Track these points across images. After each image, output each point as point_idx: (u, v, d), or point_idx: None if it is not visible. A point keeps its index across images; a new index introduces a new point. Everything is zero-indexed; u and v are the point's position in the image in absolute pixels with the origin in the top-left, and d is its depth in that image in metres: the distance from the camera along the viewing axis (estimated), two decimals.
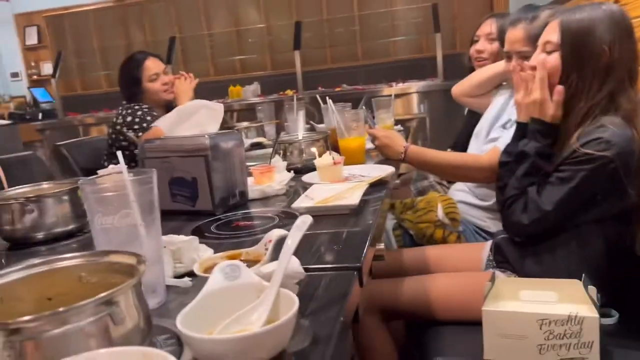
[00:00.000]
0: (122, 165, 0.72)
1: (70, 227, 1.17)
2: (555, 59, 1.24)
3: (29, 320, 0.48)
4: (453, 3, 5.37)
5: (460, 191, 1.83)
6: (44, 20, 6.40)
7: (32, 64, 8.07)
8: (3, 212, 1.13)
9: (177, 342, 0.64)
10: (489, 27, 2.03)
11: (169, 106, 2.36)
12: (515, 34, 1.54)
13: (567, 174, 1.18)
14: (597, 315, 1.03)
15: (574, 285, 1.11)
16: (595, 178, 1.15)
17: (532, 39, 1.37)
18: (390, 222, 1.82)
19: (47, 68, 7.86)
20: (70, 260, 0.64)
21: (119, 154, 0.75)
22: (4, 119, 6.65)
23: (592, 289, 1.09)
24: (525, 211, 1.24)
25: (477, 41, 2.08)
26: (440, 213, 1.69)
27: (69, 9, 7.21)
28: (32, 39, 8.08)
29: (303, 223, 0.68)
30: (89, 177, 0.75)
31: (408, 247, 1.75)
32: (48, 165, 2.51)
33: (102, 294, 0.51)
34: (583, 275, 1.11)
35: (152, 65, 2.32)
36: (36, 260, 0.63)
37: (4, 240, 1.18)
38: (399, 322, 1.51)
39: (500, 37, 1.72)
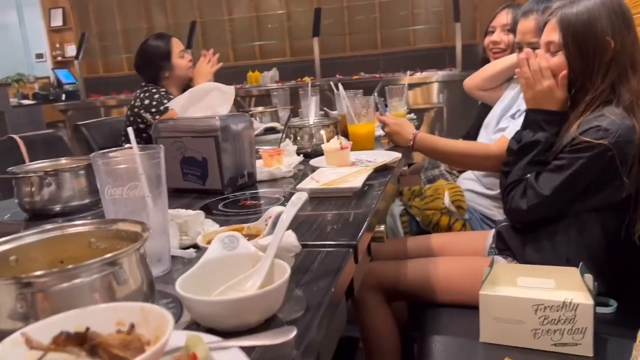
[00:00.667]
0: (132, 140, 0.77)
1: (86, 201, 1.22)
2: (560, 58, 1.25)
3: (40, 275, 0.53)
4: None
5: (469, 180, 1.85)
6: (68, 3, 6.49)
7: (57, 45, 8.21)
8: (23, 184, 1.19)
9: (179, 306, 0.69)
10: (505, 17, 2.03)
11: (187, 86, 2.42)
12: (527, 25, 1.54)
13: (565, 161, 1.19)
14: (591, 302, 1.05)
15: (571, 273, 1.13)
16: (592, 166, 1.16)
17: (542, 31, 1.38)
18: (397, 208, 1.85)
19: (70, 50, 7.99)
20: (81, 227, 0.69)
21: (130, 130, 0.79)
22: (28, 99, 6.81)
23: (589, 277, 1.11)
24: (524, 197, 1.27)
25: (492, 32, 2.07)
26: (447, 200, 1.71)
27: None
28: (57, 21, 8.21)
29: (298, 199, 0.72)
30: (101, 151, 0.79)
31: (414, 233, 1.78)
32: (69, 145, 2.59)
33: (107, 255, 0.55)
34: (580, 263, 1.13)
35: (177, 43, 2.39)
36: (50, 226, 0.68)
37: (23, 212, 1.24)
38: (401, 303, 1.55)
39: (513, 28, 1.73)
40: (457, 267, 1.37)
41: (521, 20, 1.57)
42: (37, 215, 1.21)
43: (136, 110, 2.28)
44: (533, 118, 1.30)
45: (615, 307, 1.23)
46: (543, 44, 1.29)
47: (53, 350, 0.44)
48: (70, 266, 0.53)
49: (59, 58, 8.15)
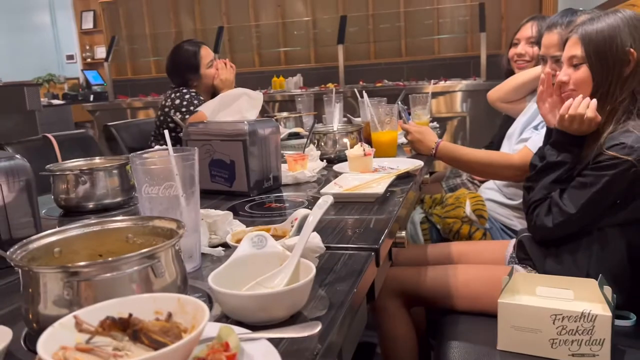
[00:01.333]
0: (169, 143, 0.81)
1: (118, 199, 1.28)
2: (584, 71, 1.25)
3: (85, 265, 0.57)
4: (500, 3, 5.30)
5: (490, 189, 1.86)
6: (99, 6, 6.66)
7: (87, 47, 8.42)
8: (59, 181, 1.25)
9: (209, 300, 0.72)
10: (530, 30, 2.04)
11: (214, 92, 2.48)
12: (551, 39, 1.56)
13: (591, 178, 1.20)
14: (610, 314, 1.06)
15: (590, 285, 1.14)
16: (617, 183, 1.17)
17: (565, 45, 1.39)
18: (418, 215, 1.87)
19: (100, 52, 8.19)
20: (119, 222, 0.73)
21: (166, 132, 0.84)
22: (58, 99, 6.99)
23: (608, 289, 1.11)
24: (549, 214, 1.27)
25: (517, 44, 2.09)
26: (468, 209, 1.73)
27: None
28: (88, 24, 8.42)
29: (324, 202, 0.75)
30: (138, 152, 0.83)
31: (435, 241, 1.80)
32: (98, 144, 2.67)
33: (147, 249, 0.59)
34: (600, 275, 1.14)
35: (207, 53, 2.45)
36: (91, 220, 0.72)
37: (59, 207, 1.30)
38: (419, 309, 1.56)
39: (538, 41, 1.74)
40: (477, 275, 1.39)
41: (546, 33, 1.59)
42: (72, 212, 1.26)
43: (167, 110, 2.35)
44: (558, 139, 1.30)
45: (634, 320, 1.23)
46: (565, 60, 1.30)
47: (99, 334, 0.48)
48: (113, 258, 0.57)
49: (89, 60, 8.34)
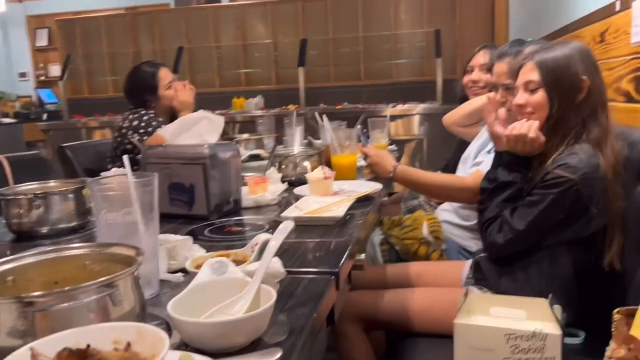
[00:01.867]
0: (128, 169, 0.81)
1: (73, 223, 1.25)
2: (541, 96, 1.32)
3: (41, 295, 0.56)
4: (455, 30, 5.50)
5: (446, 211, 1.91)
6: (55, 24, 6.53)
7: (41, 65, 8.22)
8: (12, 206, 1.21)
9: (168, 328, 0.72)
10: (483, 57, 2.13)
11: (173, 114, 2.46)
12: (501, 68, 1.64)
13: (537, 197, 1.27)
14: (559, 332, 1.11)
15: (541, 304, 1.19)
16: (561, 201, 1.24)
17: (515, 73, 1.46)
18: (377, 237, 1.90)
19: (54, 70, 8.01)
20: (76, 249, 0.72)
21: (126, 158, 0.83)
22: (9, 117, 6.77)
23: (557, 308, 1.16)
24: (500, 232, 1.33)
25: (471, 71, 2.17)
26: (425, 231, 1.77)
27: (80, 14, 7.37)
28: (42, 41, 8.24)
29: (285, 228, 0.76)
30: (97, 177, 0.83)
31: (393, 262, 1.83)
32: (51, 165, 2.59)
33: (105, 277, 0.59)
34: (550, 294, 1.19)
35: (165, 75, 2.43)
36: (47, 248, 0.71)
37: (10, 232, 1.26)
38: (379, 332, 1.58)
39: (491, 68, 1.82)
40: (434, 298, 1.42)
41: (496, 62, 1.67)
42: (25, 236, 1.23)
43: (124, 131, 2.31)
44: (510, 160, 1.37)
45: (583, 337, 1.29)
46: (521, 84, 1.36)
47: None
48: (70, 287, 0.57)
49: (42, 78, 8.14)
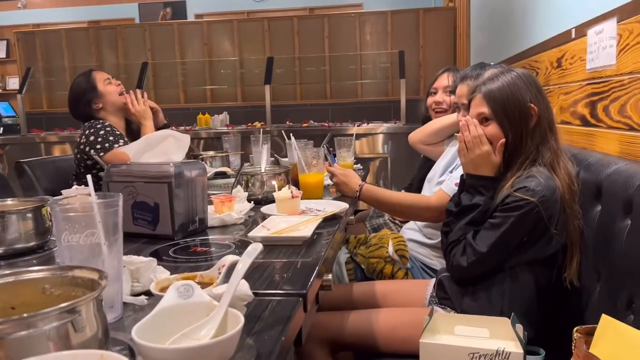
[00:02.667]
0: (91, 188, 0.79)
1: (32, 243, 1.20)
2: (494, 127, 1.37)
3: None
4: (419, 52, 5.64)
5: (411, 230, 1.94)
6: (14, 35, 6.36)
7: None
8: None
9: (130, 354, 0.70)
10: (446, 80, 2.20)
11: (128, 122, 2.42)
12: (462, 89, 1.70)
13: (499, 220, 1.30)
14: (521, 351, 1.13)
15: (504, 323, 1.21)
16: (522, 223, 1.27)
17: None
18: (343, 255, 1.91)
19: (12, 83, 7.78)
20: (36, 273, 0.69)
21: (89, 178, 0.81)
22: None
23: (519, 327, 1.18)
24: (464, 254, 1.36)
25: (435, 93, 2.23)
26: (390, 249, 1.79)
27: (40, 27, 7.21)
28: (0, 53, 8.01)
29: (254, 250, 0.75)
30: (58, 197, 0.80)
31: (359, 280, 1.83)
32: (8, 182, 2.50)
33: (67, 303, 0.57)
34: (512, 314, 1.21)
35: (100, 74, 2.39)
36: (3, 271, 0.68)
37: None
38: (347, 353, 1.57)
39: (454, 90, 1.88)
40: (399, 318, 1.43)
41: (459, 85, 1.73)
42: None
43: (82, 147, 2.25)
44: (471, 183, 1.40)
45: (543, 355, 1.31)
46: (474, 115, 1.41)
47: None
48: (29, 314, 0.54)
49: (0, 90, 7.89)
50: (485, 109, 1.38)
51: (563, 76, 2.04)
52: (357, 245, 1.90)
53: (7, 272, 0.68)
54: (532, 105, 1.34)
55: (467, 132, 1.40)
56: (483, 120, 1.39)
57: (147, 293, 0.88)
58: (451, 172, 1.77)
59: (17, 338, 0.54)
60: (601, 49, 1.63)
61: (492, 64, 1.87)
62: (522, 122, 1.34)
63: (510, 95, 1.35)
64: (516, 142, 1.35)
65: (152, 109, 2.42)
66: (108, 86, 2.36)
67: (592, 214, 1.29)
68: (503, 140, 1.36)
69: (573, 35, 1.91)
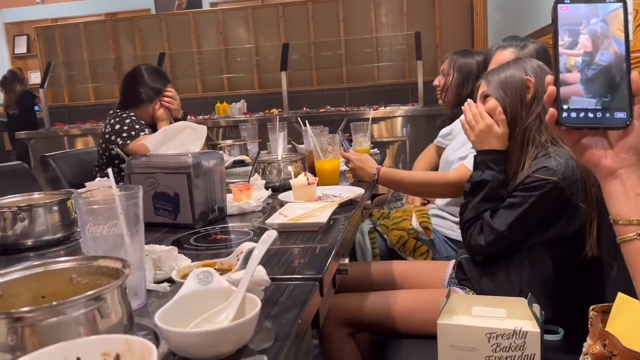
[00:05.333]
0: (112, 181, 0.82)
1: (59, 235, 1.25)
2: (492, 101, 1.41)
3: (30, 310, 0.57)
4: (435, 32, 5.57)
5: (432, 209, 1.97)
6: (33, 31, 6.46)
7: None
8: None
9: (155, 338, 0.73)
10: (445, 63, 2.27)
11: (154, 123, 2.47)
12: (504, 56, 1.80)
13: (519, 199, 1.31)
14: (539, 330, 1.14)
15: (521, 303, 1.22)
16: (543, 202, 1.29)
17: None
18: (366, 226, 1.94)
19: (34, 77, 7.91)
20: (63, 263, 0.73)
21: (110, 171, 0.84)
22: None
23: (536, 307, 1.20)
24: (482, 233, 1.37)
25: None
26: (414, 222, 1.81)
27: (58, 21, 7.30)
28: (21, 48, 8.15)
29: (269, 237, 0.78)
30: (81, 190, 0.84)
31: (382, 250, 1.87)
32: (34, 175, 2.57)
33: (93, 291, 0.60)
34: (529, 293, 1.22)
35: (170, 91, 2.45)
36: (33, 262, 0.72)
37: None
38: (364, 334, 1.61)
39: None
40: (417, 299, 1.45)
41: (498, 51, 1.79)
42: (9, 250, 1.23)
43: (107, 136, 2.30)
44: (480, 159, 1.42)
45: (562, 334, 1.32)
46: (478, 97, 1.46)
47: None
48: (58, 301, 0.58)
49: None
50: (485, 87, 1.44)
51: None
52: (380, 217, 1.93)
53: (36, 263, 0.72)
54: (528, 77, 1.37)
55: (468, 112, 1.44)
56: (484, 98, 1.43)
57: (169, 280, 0.91)
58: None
59: (48, 324, 0.57)
60: None
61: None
62: (517, 93, 1.37)
63: (507, 73, 1.40)
64: (515, 113, 1.38)
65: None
66: (160, 111, 2.39)
67: None
68: (500, 109, 1.38)
69: None
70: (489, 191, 1.37)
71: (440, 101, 2.29)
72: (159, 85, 2.41)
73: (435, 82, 2.30)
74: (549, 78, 0.77)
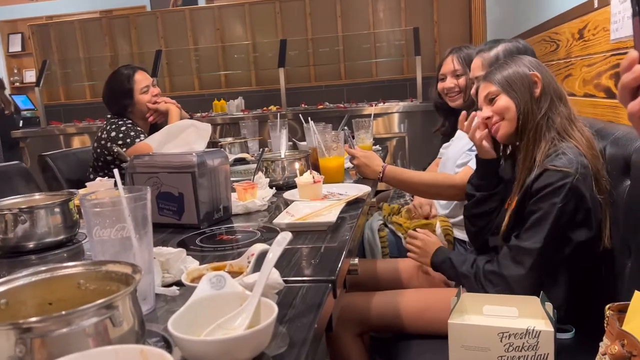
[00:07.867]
0: (119, 184, 0.79)
1: (60, 237, 1.22)
2: (503, 100, 1.36)
3: (39, 320, 0.55)
4: (433, 27, 5.54)
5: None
6: (28, 29, 6.40)
7: (15, 71, 8.04)
8: None
9: (166, 345, 0.71)
10: (452, 64, 2.13)
11: (152, 126, 2.43)
12: (477, 62, 1.77)
13: (542, 211, 1.23)
14: (552, 329, 1.12)
15: (533, 302, 1.20)
16: (568, 203, 1.22)
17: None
18: (376, 222, 1.91)
19: (29, 75, 7.85)
20: (70, 268, 0.70)
21: (116, 172, 0.82)
22: None
23: (549, 305, 1.17)
24: (518, 262, 1.26)
25: (443, 79, 2.17)
26: (438, 231, 1.78)
27: (54, 18, 7.23)
28: (15, 46, 8.07)
29: (283, 239, 0.75)
30: (86, 192, 0.81)
31: (393, 246, 1.84)
32: (33, 176, 2.54)
33: (104, 299, 0.57)
34: (542, 292, 1.20)
35: (142, 78, 2.38)
36: (39, 268, 0.69)
37: None
38: (366, 335, 1.58)
39: (459, 75, 2.03)
40: (426, 299, 1.43)
41: (474, 59, 1.75)
42: (10, 253, 1.20)
43: (103, 142, 2.27)
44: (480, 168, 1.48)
45: (573, 332, 1.30)
46: (482, 101, 1.41)
47: None
48: (69, 310, 0.55)
49: (17, 84, 7.97)
50: (491, 87, 1.38)
51: (585, 48, 1.98)
52: (390, 213, 1.91)
53: (42, 268, 0.69)
54: (534, 73, 1.35)
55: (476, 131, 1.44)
56: (490, 100, 1.39)
57: (178, 283, 0.89)
58: (472, 149, 1.75)
59: (58, 335, 0.55)
60: (626, 18, 1.58)
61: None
62: (526, 89, 1.34)
63: (512, 70, 1.37)
64: (527, 110, 1.34)
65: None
66: (143, 95, 2.36)
67: (621, 189, 1.26)
68: (513, 107, 1.35)
69: (596, 5, 1.86)
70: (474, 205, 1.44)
71: (458, 102, 2.12)
72: (127, 77, 2.37)
73: (450, 85, 2.13)
74: (634, 55, 0.57)
